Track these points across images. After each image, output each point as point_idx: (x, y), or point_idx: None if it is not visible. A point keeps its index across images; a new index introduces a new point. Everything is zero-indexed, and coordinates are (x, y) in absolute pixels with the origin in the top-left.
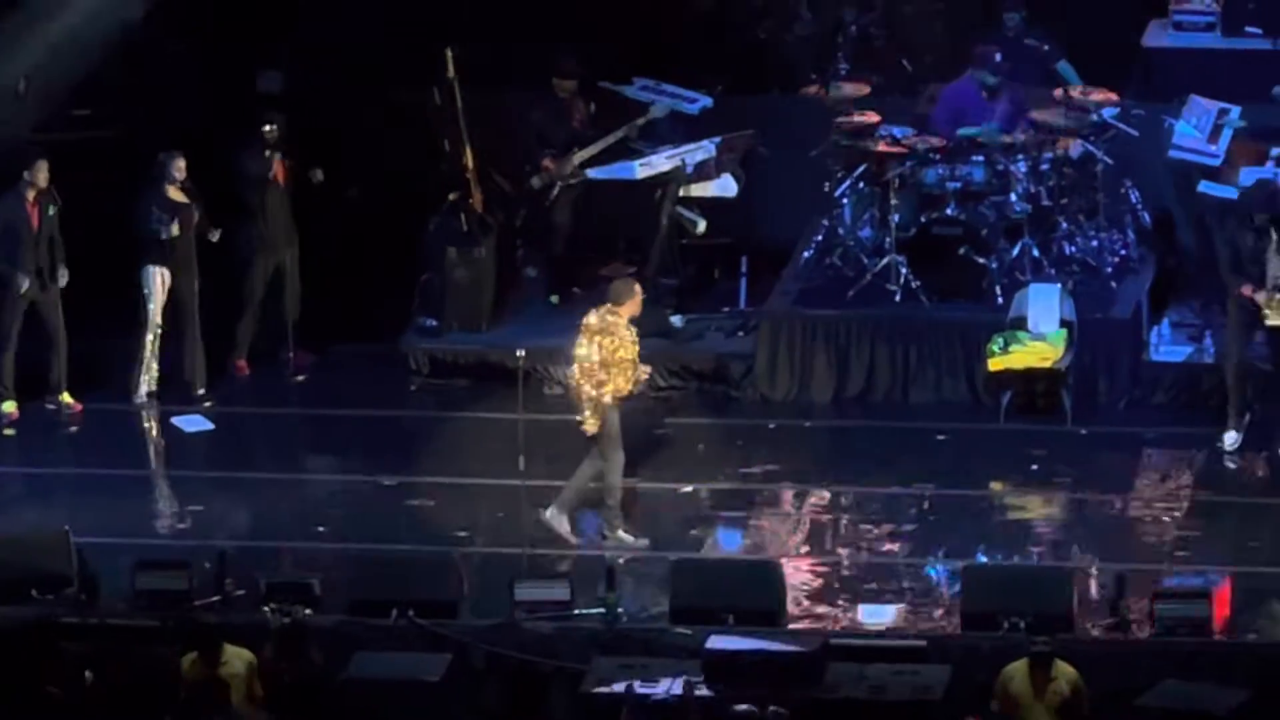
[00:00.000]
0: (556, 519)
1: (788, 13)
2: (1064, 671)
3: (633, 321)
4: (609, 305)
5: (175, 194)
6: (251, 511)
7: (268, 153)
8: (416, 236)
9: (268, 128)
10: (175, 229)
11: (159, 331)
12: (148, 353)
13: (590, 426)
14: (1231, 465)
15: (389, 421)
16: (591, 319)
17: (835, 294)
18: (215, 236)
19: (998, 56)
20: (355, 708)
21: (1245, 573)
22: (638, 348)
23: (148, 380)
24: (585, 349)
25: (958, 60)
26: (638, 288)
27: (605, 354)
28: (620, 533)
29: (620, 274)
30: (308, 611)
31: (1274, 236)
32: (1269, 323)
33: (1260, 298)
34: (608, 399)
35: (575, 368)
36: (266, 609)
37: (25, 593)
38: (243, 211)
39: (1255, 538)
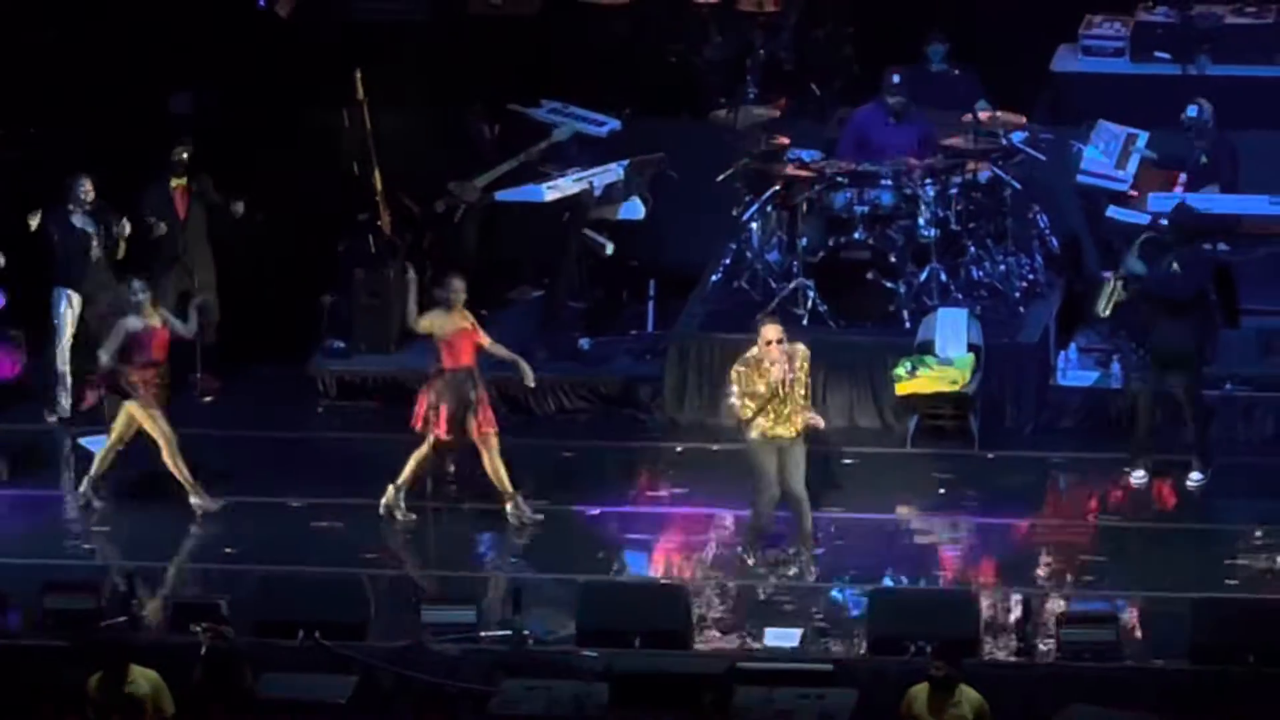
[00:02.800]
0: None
1: (697, 37)
2: (968, 695)
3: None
4: None
5: (82, 216)
6: (159, 532)
7: (173, 179)
8: (325, 258)
9: (177, 153)
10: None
11: (69, 353)
12: (60, 374)
13: None
14: (1138, 490)
15: (296, 443)
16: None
17: (743, 317)
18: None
19: (895, 78)
20: None
21: (1151, 598)
22: (762, 383)
23: (61, 402)
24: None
25: (867, 85)
26: (765, 325)
27: (743, 385)
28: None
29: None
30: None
31: (1135, 243)
32: (1098, 310)
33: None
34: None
35: None
36: (198, 630)
37: None
38: (150, 234)
39: (1161, 563)
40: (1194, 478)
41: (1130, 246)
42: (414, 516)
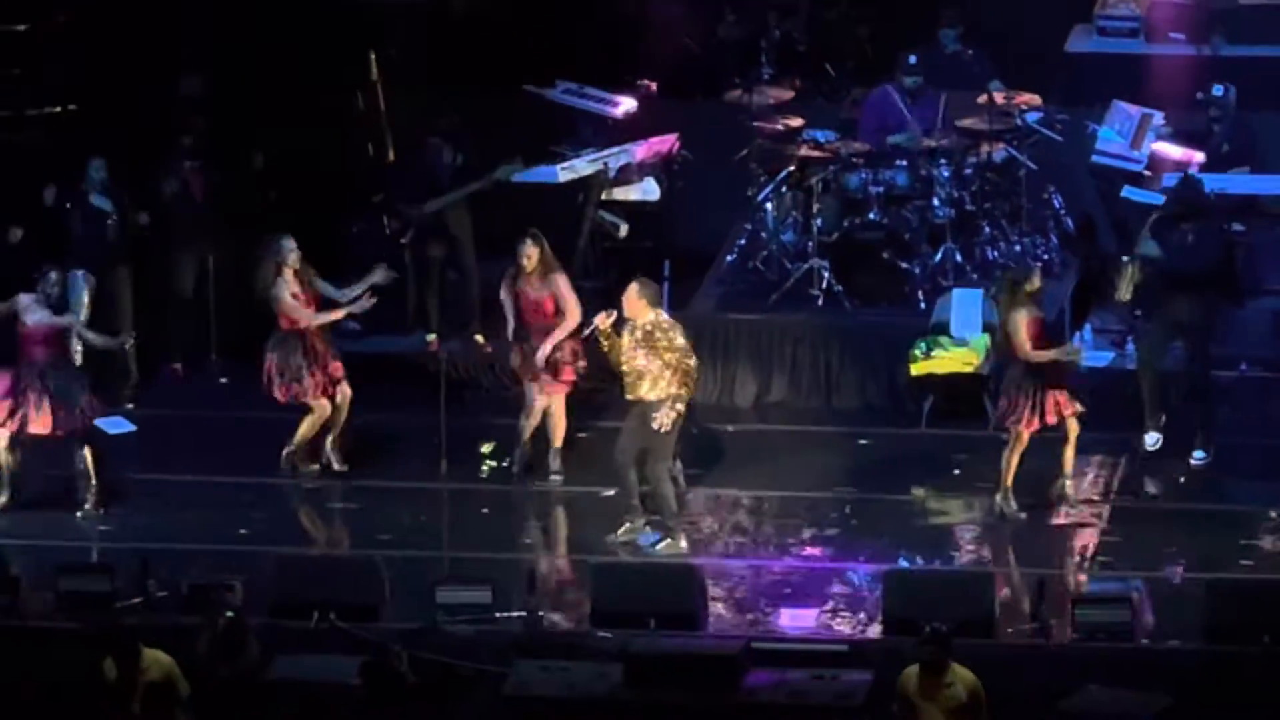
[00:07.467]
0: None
1: (711, 18)
2: (962, 676)
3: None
4: None
5: (98, 198)
6: (174, 514)
7: (187, 162)
8: (339, 239)
9: (186, 138)
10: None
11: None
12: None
13: None
14: (1151, 473)
15: None
16: None
17: (758, 298)
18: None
19: (911, 59)
20: (276, 710)
21: (1164, 578)
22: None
23: None
24: None
25: (881, 65)
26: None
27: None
28: None
29: None
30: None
31: (1147, 224)
32: (1119, 295)
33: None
34: None
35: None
36: (225, 609)
37: None
38: (165, 217)
39: (1173, 543)
40: (1198, 456)
41: (1144, 228)
42: None
